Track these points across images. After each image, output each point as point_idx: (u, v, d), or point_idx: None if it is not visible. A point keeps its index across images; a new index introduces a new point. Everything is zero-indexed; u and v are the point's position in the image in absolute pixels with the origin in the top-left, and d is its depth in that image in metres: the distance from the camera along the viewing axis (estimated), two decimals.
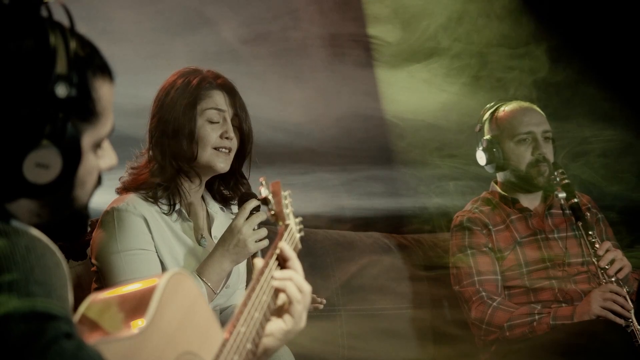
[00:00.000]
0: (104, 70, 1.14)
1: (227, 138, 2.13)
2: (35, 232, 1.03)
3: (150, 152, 2.13)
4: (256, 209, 2.06)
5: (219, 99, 2.15)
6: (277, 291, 1.34)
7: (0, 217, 1.04)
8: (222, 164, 2.14)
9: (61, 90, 1.05)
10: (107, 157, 1.18)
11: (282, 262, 1.37)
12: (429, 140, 3.36)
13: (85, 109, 1.10)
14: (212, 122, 2.13)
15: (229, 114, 2.16)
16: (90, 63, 1.11)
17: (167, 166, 2.10)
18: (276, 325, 1.34)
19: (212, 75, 2.18)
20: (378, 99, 3.39)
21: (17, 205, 1.08)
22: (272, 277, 1.33)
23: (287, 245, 1.39)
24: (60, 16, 1.09)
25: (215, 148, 2.12)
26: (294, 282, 1.35)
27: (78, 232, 1.17)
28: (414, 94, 3.26)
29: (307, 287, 1.37)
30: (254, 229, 2.03)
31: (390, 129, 3.42)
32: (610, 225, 2.92)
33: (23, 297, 0.92)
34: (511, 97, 2.97)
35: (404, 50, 3.24)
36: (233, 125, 2.17)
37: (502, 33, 3.30)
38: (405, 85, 3.26)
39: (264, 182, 1.48)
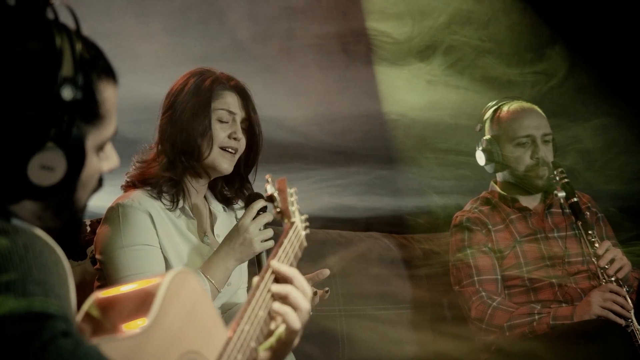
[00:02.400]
0: (109, 73, 1.14)
1: (234, 139, 2.15)
2: (35, 230, 1.03)
3: (160, 147, 2.14)
4: (263, 209, 2.07)
5: (230, 100, 2.17)
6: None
7: (0, 215, 1.03)
8: (226, 165, 2.15)
9: (67, 93, 1.05)
10: (109, 159, 1.18)
11: (282, 280, 1.33)
12: (430, 140, 3.35)
13: (89, 112, 1.10)
14: (221, 122, 2.14)
15: (239, 117, 2.17)
16: (95, 65, 1.12)
17: (177, 162, 2.12)
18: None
19: (225, 77, 2.20)
20: (380, 98, 3.39)
21: (20, 207, 1.08)
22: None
23: (284, 266, 1.35)
24: (64, 17, 1.09)
25: (222, 148, 2.14)
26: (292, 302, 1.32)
27: (75, 235, 1.17)
28: (416, 92, 3.25)
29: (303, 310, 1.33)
30: (260, 229, 2.03)
31: (392, 128, 3.42)
32: (614, 221, 2.92)
33: (20, 297, 0.92)
34: (514, 96, 2.95)
35: (408, 48, 3.23)
36: (242, 128, 2.18)
37: (507, 31, 3.29)
38: (407, 84, 3.25)
39: (269, 180, 1.46)
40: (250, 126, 2.20)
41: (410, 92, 3.26)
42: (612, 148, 3.31)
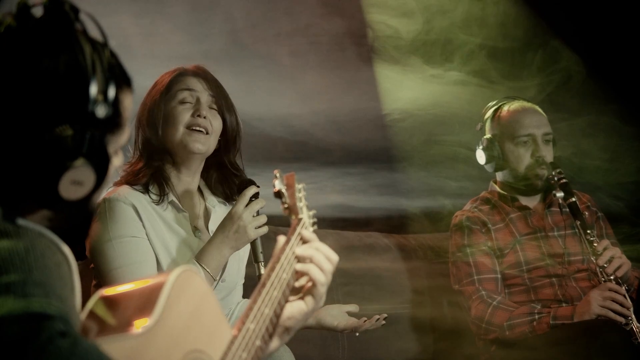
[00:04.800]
0: (127, 82, 1.15)
1: (199, 116, 2.13)
2: (40, 229, 1.02)
3: (136, 147, 2.18)
4: (255, 195, 2.06)
5: (190, 81, 2.17)
6: (288, 287, 1.31)
7: (4, 216, 1.03)
8: (197, 144, 2.12)
9: (100, 111, 1.05)
10: (118, 157, 1.19)
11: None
12: (432, 140, 3.35)
13: (113, 123, 1.11)
14: (183, 103, 2.15)
15: (203, 96, 2.16)
16: (118, 77, 1.12)
17: (143, 153, 2.15)
18: (297, 307, 1.33)
19: (187, 66, 2.22)
20: (382, 97, 3.38)
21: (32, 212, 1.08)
22: (284, 272, 1.31)
23: (306, 231, 1.38)
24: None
25: (189, 127, 2.13)
26: (316, 262, 1.33)
27: (84, 231, 1.18)
28: (418, 91, 3.25)
29: (328, 267, 1.35)
30: (253, 216, 2.03)
31: (394, 128, 3.41)
32: (621, 219, 2.92)
33: (19, 299, 0.92)
34: (514, 96, 2.95)
35: (411, 46, 3.23)
36: (212, 109, 2.17)
37: (510, 29, 3.29)
38: (410, 83, 3.25)
39: (277, 175, 1.43)
40: (220, 107, 2.19)
41: (413, 91, 3.26)
42: (614, 145, 3.31)
